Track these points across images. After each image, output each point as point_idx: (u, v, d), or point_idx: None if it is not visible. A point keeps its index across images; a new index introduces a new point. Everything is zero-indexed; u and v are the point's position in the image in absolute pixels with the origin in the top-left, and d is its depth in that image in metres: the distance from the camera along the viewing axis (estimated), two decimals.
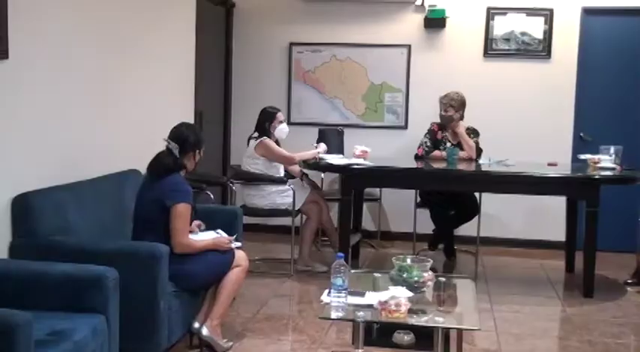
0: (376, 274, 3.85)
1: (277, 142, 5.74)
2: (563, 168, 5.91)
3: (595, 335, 4.44)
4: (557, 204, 6.26)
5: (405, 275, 3.39)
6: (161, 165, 3.80)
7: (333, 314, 3.21)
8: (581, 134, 6.73)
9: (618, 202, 6.11)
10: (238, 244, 4.04)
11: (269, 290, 5.19)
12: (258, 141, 5.60)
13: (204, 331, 3.80)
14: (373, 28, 6.96)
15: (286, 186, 5.63)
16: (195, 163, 3.92)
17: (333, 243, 5.88)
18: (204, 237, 3.90)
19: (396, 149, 6.77)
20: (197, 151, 3.88)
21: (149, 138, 4.21)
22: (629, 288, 5.54)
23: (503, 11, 6.79)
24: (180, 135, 3.85)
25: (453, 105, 6.00)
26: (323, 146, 5.92)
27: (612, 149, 5.62)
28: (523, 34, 6.79)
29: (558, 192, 5.71)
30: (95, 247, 3.49)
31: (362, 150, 5.72)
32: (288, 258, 5.74)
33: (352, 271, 4.07)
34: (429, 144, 6.10)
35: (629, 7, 6.63)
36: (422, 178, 5.65)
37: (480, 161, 5.96)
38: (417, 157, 6.09)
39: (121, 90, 4.60)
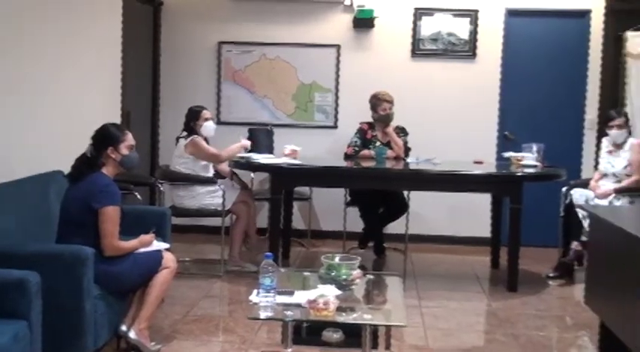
0: (305, 273, 3.87)
1: (207, 141, 5.71)
2: (488, 166, 6.06)
3: (519, 328, 4.57)
4: (483, 201, 6.41)
5: (333, 274, 3.41)
6: (79, 165, 3.76)
7: (262, 314, 3.21)
8: (506, 132, 6.89)
9: (540, 199, 6.27)
10: (166, 245, 4.01)
11: (199, 291, 5.15)
12: (189, 139, 5.56)
13: (132, 334, 3.75)
14: (303, 28, 6.98)
15: (216, 187, 5.60)
16: (117, 162, 3.81)
17: (252, 244, 5.90)
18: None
19: (325, 148, 6.81)
20: (112, 148, 3.77)
21: (74, 139, 4.12)
22: (551, 282, 5.72)
23: (430, 12, 6.91)
24: (94, 134, 3.81)
25: (393, 103, 6.10)
26: (246, 141, 5.86)
27: (534, 147, 5.79)
28: (449, 34, 6.92)
29: (483, 190, 5.85)
30: (17, 250, 3.39)
31: (291, 149, 5.74)
32: (218, 258, 5.70)
33: (282, 270, 4.09)
34: (358, 143, 6.17)
35: (551, 9, 6.85)
36: (351, 177, 5.70)
37: (408, 160, 6.05)
38: (346, 156, 6.14)
39: (45, 90, 4.49)
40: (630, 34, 6.51)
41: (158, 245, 3.94)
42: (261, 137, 6.55)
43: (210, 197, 5.60)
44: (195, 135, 5.58)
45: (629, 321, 3.25)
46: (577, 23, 6.87)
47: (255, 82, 7.07)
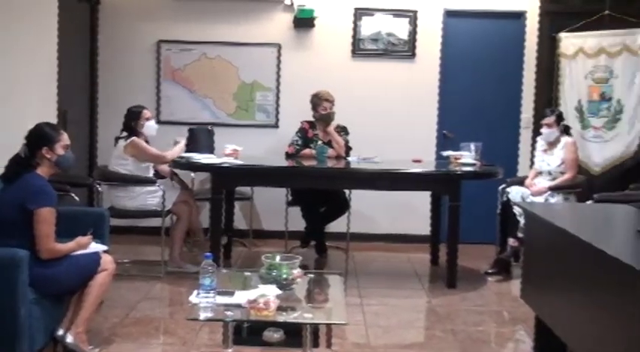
0: (246, 273, 3.86)
1: (147, 141, 5.65)
2: (428, 164, 6.14)
3: (458, 324, 4.65)
4: (422, 200, 6.47)
5: (274, 273, 3.41)
6: (13, 166, 3.68)
7: (202, 315, 3.20)
8: (445, 131, 6.99)
9: (478, 196, 6.38)
10: (104, 247, 3.95)
11: (139, 293, 5.08)
12: (129, 140, 5.49)
13: (69, 338, 3.68)
14: (243, 27, 6.95)
15: (155, 187, 5.53)
16: (53, 162, 3.72)
17: (199, 244, 5.86)
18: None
19: (267, 148, 6.79)
20: (47, 148, 3.69)
21: (8, 140, 4.02)
22: (489, 278, 5.83)
23: (370, 12, 6.96)
24: (28, 134, 3.73)
25: (333, 103, 6.13)
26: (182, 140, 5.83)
27: (472, 146, 5.88)
28: (389, 34, 6.99)
29: (423, 188, 5.90)
30: None
31: (232, 148, 5.71)
32: (158, 259, 5.64)
33: (223, 271, 4.07)
34: (299, 142, 6.18)
35: (487, 10, 6.98)
36: (293, 176, 5.71)
37: (349, 159, 6.09)
38: (287, 155, 6.15)
39: None
40: (564, 35, 6.69)
41: (96, 247, 3.88)
42: (201, 137, 6.48)
43: (150, 197, 5.54)
44: (135, 137, 5.51)
45: (562, 315, 3.34)
46: (513, 24, 7.02)
47: (196, 82, 7.01)
